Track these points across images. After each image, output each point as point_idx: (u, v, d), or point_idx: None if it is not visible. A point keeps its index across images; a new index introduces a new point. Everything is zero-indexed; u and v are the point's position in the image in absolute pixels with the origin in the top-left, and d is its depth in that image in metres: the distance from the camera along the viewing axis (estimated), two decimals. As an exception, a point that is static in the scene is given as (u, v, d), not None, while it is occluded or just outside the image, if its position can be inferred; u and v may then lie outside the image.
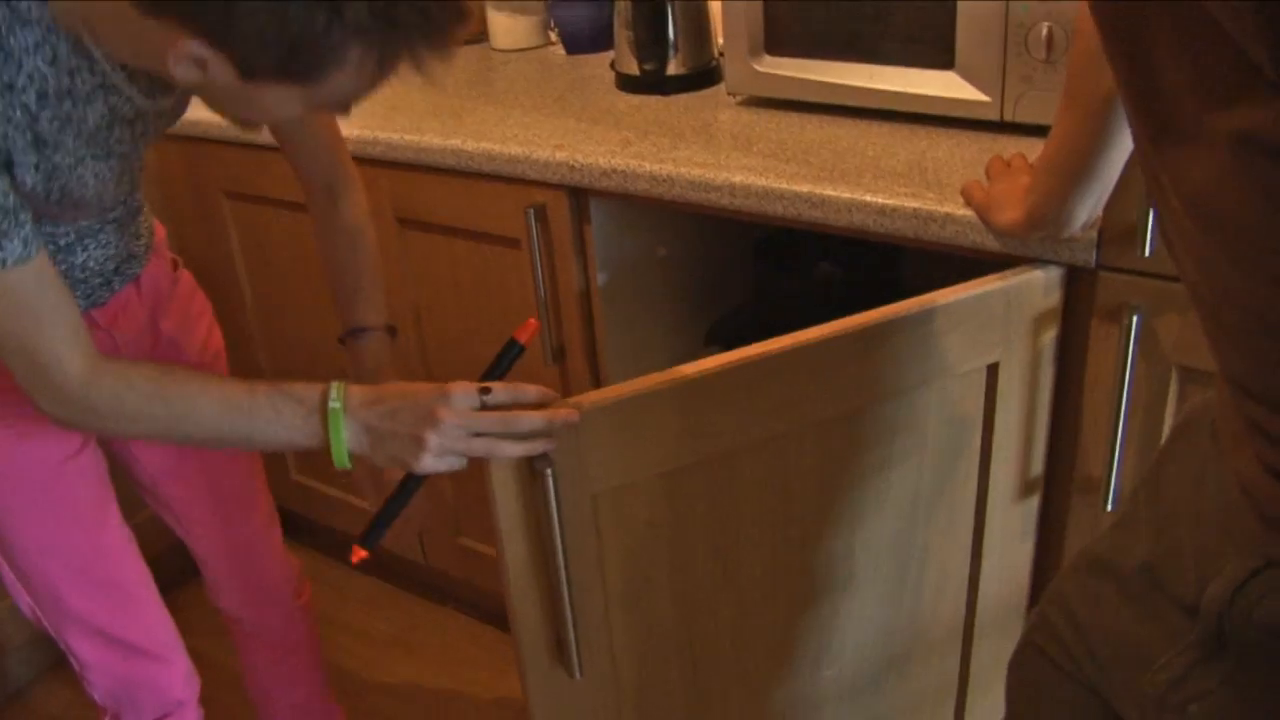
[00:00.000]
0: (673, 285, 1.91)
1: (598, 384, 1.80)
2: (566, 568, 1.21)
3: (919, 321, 1.31)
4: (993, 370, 1.39)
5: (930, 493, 1.43)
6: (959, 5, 1.57)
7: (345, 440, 1.15)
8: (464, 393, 1.14)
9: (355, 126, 1.81)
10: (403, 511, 1.20)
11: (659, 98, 1.86)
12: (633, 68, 1.86)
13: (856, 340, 1.29)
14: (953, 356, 1.35)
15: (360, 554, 1.20)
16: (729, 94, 1.79)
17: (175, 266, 1.53)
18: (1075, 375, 1.41)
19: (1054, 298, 1.37)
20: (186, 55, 0.96)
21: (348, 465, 1.17)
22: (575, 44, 2.18)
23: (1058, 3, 1.50)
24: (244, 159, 2.03)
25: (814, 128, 1.66)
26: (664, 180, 1.55)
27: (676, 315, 1.94)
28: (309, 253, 2.02)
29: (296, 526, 2.47)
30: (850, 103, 1.69)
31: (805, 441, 1.32)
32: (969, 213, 1.37)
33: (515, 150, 1.67)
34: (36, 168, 1.10)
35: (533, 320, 1.24)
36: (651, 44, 1.80)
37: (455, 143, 1.72)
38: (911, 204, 1.40)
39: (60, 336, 1.13)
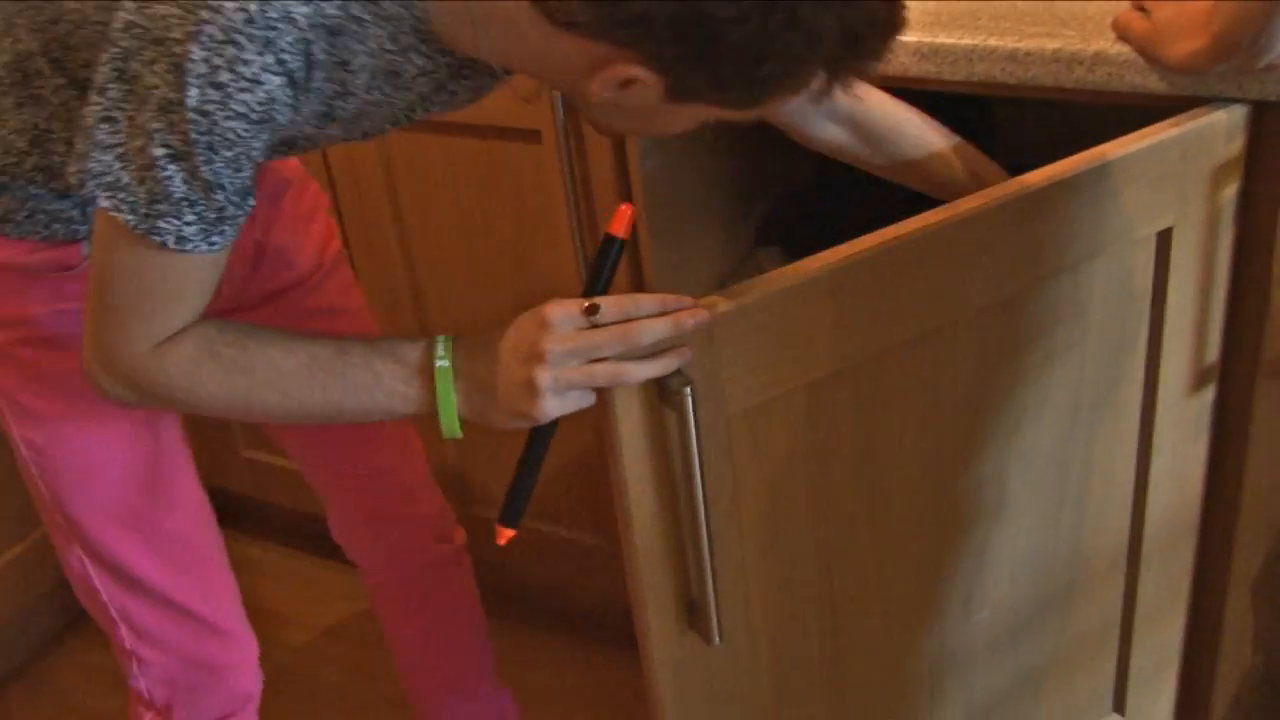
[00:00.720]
0: (720, 176, 1.74)
1: (641, 289, 1.63)
2: (707, 512, 1.04)
3: (1088, 181, 1.18)
4: (1165, 236, 1.26)
5: (1094, 391, 1.30)
6: None
7: (456, 405, 1.04)
8: (565, 313, 1.01)
9: None
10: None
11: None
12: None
13: (1021, 207, 1.16)
14: (1123, 221, 1.22)
15: (506, 534, 1.10)
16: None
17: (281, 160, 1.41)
18: (1262, 237, 1.28)
19: (1237, 144, 1.25)
20: (618, 79, 0.92)
21: (459, 434, 1.06)
22: None
23: None
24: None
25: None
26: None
27: (724, 211, 1.77)
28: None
29: (246, 512, 2.29)
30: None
31: (960, 335, 1.19)
32: (1123, 49, 1.24)
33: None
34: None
35: (626, 206, 1.07)
36: None
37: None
38: (1050, 44, 1.25)
39: (182, 317, 1.05)
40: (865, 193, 1.84)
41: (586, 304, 1.01)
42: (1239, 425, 1.37)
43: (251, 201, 1.01)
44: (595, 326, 1.01)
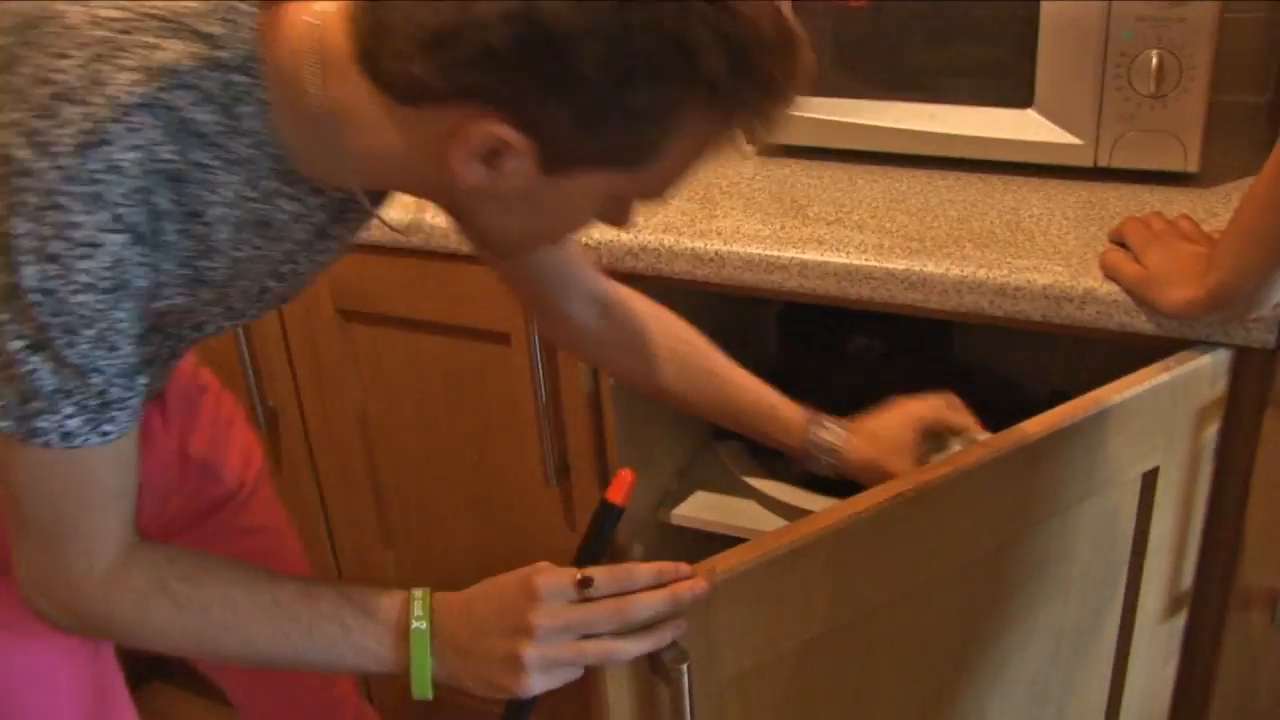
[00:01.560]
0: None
1: (607, 500, 1.57)
2: (700, 787, 0.99)
3: (1085, 429, 1.15)
4: (1151, 476, 1.23)
5: (1076, 625, 1.27)
6: (1040, 31, 1.39)
7: (430, 669, 0.96)
8: (555, 585, 0.95)
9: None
10: None
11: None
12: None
13: (1020, 458, 1.12)
14: (1114, 464, 1.19)
15: None
16: (747, 142, 1.57)
17: (195, 379, 1.31)
18: (1239, 472, 1.26)
19: (1220, 386, 1.22)
20: (481, 145, 0.82)
21: (429, 696, 0.97)
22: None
23: (1169, 25, 1.33)
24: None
25: (868, 182, 1.48)
26: (710, 260, 1.35)
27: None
28: (206, 350, 1.75)
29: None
30: (903, 149, 1.52)
31: (950, 586, 1.16)
32: (1111, 288, 1.21)
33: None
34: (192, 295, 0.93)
35: (626, 472, 1.02)
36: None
37: (425, 216, 1.48)
38: (1040, 279, 1.22)
39: (106, 525, 0.94)
40: (823, 377, 1.80)
41: (579, 576, 0.95)
42: (1208, 648, 1.35)
43: (143, 380, 0.91)
44: (587, 599, 0.95)
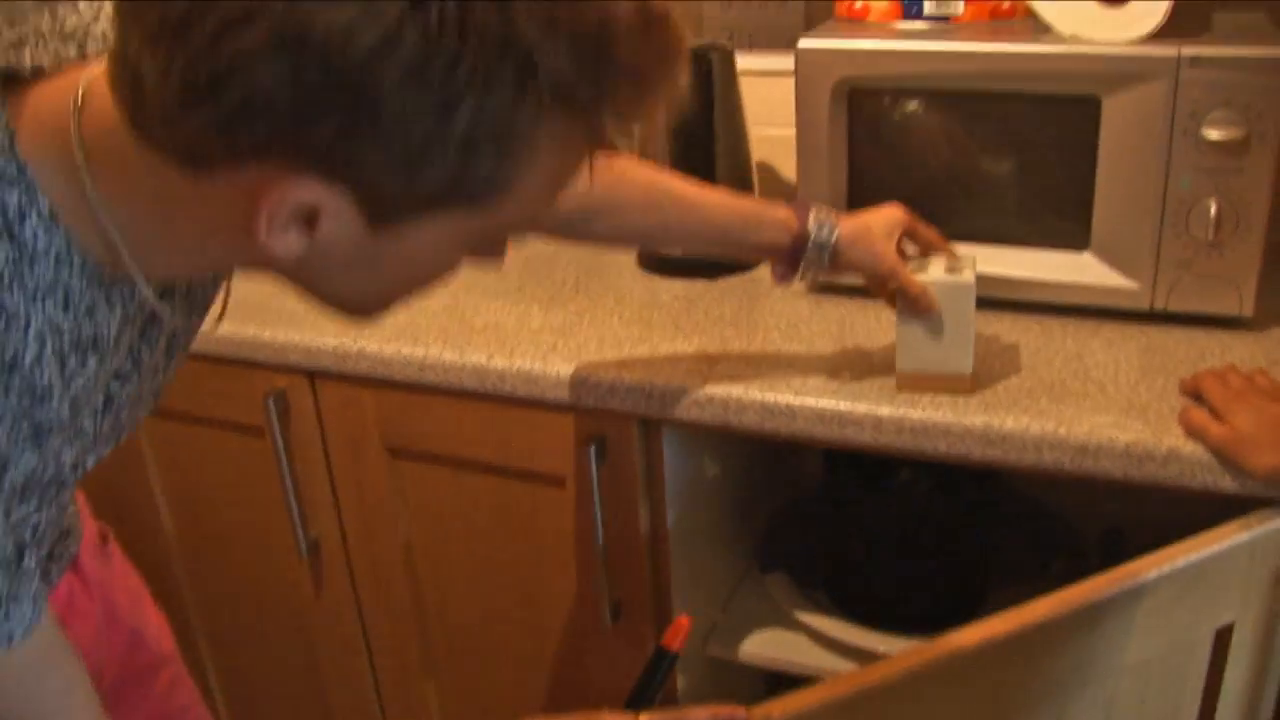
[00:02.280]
0: (725, 500, 1.67)
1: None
2: None
3: (1158, 587, 1.12)
4: (1224, 633, 1.19)
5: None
6: (1098, 175, 1.38)
7: None
8: None
9: (328, 335, 1.54)
10: None
11: (704, 282, 1.62)
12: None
13: (1086, 616, 1.10)
14: (1183, 624, 1.17)
15: None
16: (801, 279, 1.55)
17: (105, 539, 1.23)
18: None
19: (1302, 542, 1.18)
20: (285, 211, 0.68)
21: None
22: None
23: (1228, 175, 1.32)
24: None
25: (925, 325, 1.45)
26: (781, 413, 1.31)
27: (724, 529, 1.70)
28: (248, 478, 1.71)
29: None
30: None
31: None
32: (1195, 446, 1.18)
33: (559, 369, 1.41)
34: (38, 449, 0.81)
35: (683, 619, 0.99)
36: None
37: (474, 358, 1.45)
38: (1122, 438, 1.20)
39: None
40: (870, 511, 1.77)
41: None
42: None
43: (30, 563, 0.84)
44: None
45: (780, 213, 1.29)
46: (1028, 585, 1.61)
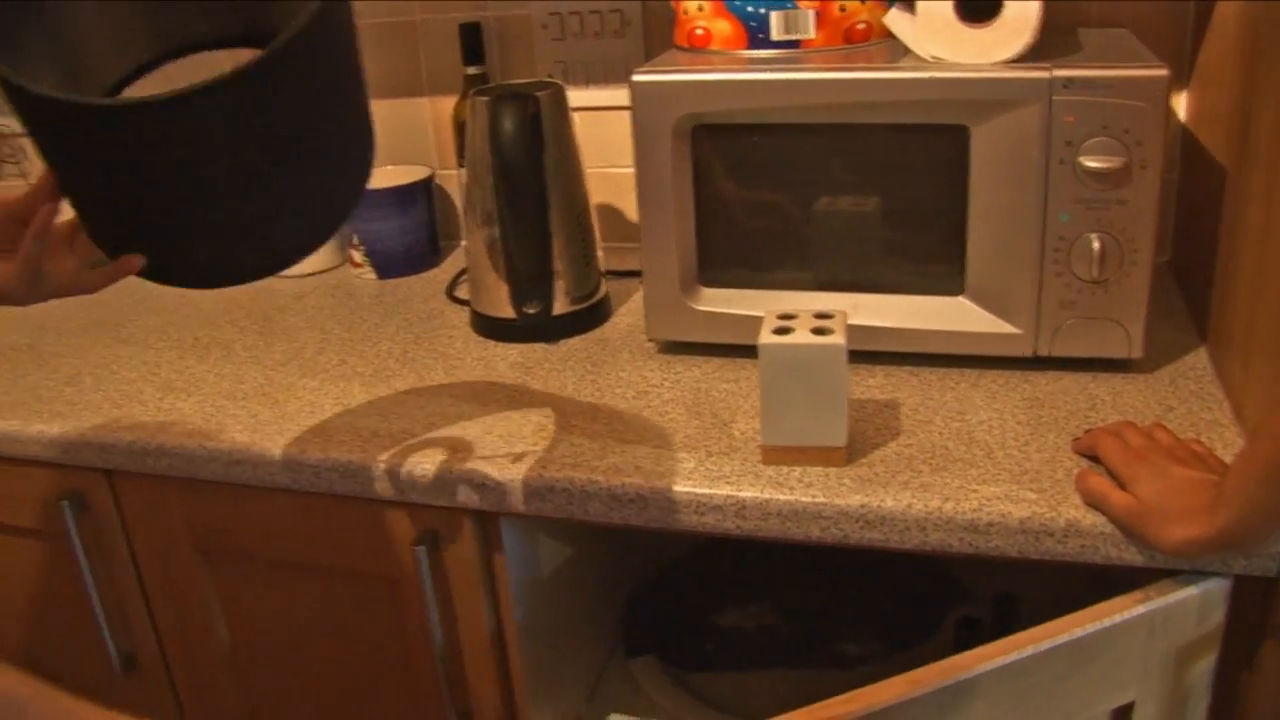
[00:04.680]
0: (581, 582, 1.48)
1: (517, 749, 1.35)
2: None
3: (1047, 663, 0.97)
4: (1122, 713, 1.04)
5: None
6: (970, 212, 1.22)
7: None
8: None
9: (123, 430, 1.34)
10: None
11: (544, 346, 1.43)
12: (503, 308, 1.42)
13: (961, 693, 0.94)
14: (1073, 704, 1.01)
15: None
16: (649, 339, 1.37)
17: None
18: (1233, 712, 1.07)
19: (1215, 618, 1.03)
20: None
21: None
22: (389, 265, 1.73)
23: (1109, 207, 1.17)
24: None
25: (790, 385, 1.27)
26: (631, 499, 1.13)
27: (587, 616, 1.51)
28: (50, 587, 1.50)
29: None
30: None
31: None
32: (1096, 517, 1.03)
33: (381, 461, 1.20)
34: None
35: None
36: (535, 278, 1.37)
37: (286, 450, 1.24)
38: (1015, 512, 1.04)
39: None
40: (728, 580, 1.61)
41: None
42: None
43: None
44: None
45: None
46: (913, 652, 1.46)
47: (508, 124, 1.32)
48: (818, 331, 1.10)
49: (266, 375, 1.46)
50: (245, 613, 1.43)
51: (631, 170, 1.40)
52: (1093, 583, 1.59)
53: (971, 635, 1.27)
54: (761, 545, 1.64)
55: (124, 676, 1.53)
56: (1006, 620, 1.31)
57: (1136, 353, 1.26)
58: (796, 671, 1.48)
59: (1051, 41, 1.27)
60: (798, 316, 1.13)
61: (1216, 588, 1.03)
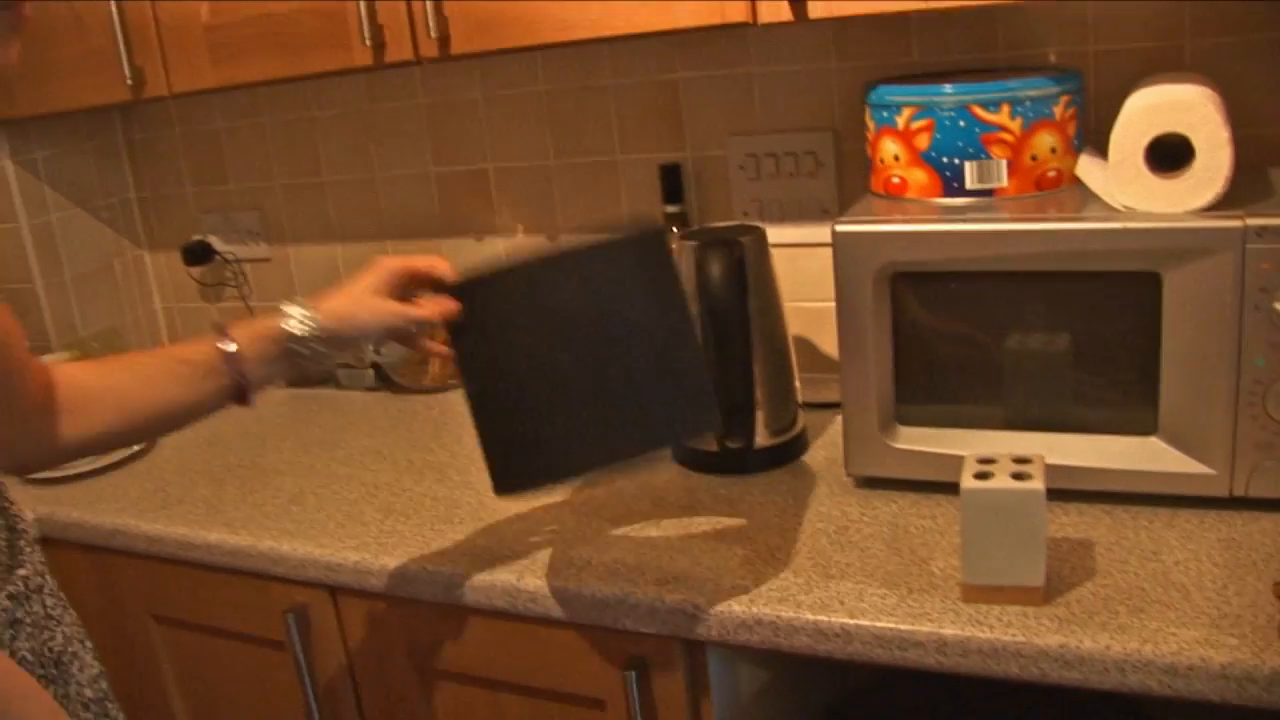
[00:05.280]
0: (776, 703, 1.54)
1: None
2: None
3: None
4: None
5: None
6: (1163, 354, 1.25)
7: None
8: None
9: (349, 550, 1.45)
10: None
11: (740, 479, 1.49)
12: (707, 441, 1.48)
13: None
14: None
15: None
16: (849, 474, 1.42)
17: None
18: None
19: None
20: None
21: None
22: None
23: (1305, 354, 1.19)
24: (177, 577, 1.61)
25: (986, 522, 1.30)
26: (836, 634, 1.19)
27: None
28: (270, 691, 1.58)
29: None
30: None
31: None
32: (1299, 666, 1.03)
33: (595, 588, 1.29)
34: None
35: None
36: (738, 411, 1.43)
37: (503, 577, 1.32)
38: (1217, 658, 1.05)
39: None
40: (918, 710, 1.63)
41: None
42: None
43: None
44: None
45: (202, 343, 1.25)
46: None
47: (715, 269, 1.40)
48: (1017, 476, 1.15)
49: (479, 500, 1.54)
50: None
51: (826, 303, 1.46)
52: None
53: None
54: (953, 677, 1.67)
55: (337, 783, 1.62)
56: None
57: (1335, 493, 1.27)
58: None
59: (1243, 184, 1.30)
60: (997, 461, 1.18)
61: None
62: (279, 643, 1.57)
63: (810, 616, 1.20)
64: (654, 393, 1.18)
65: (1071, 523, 1.32)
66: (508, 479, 1.22)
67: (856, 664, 1.20)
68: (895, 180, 1.43)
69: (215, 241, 2.32)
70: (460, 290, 1.25)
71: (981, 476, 1.15)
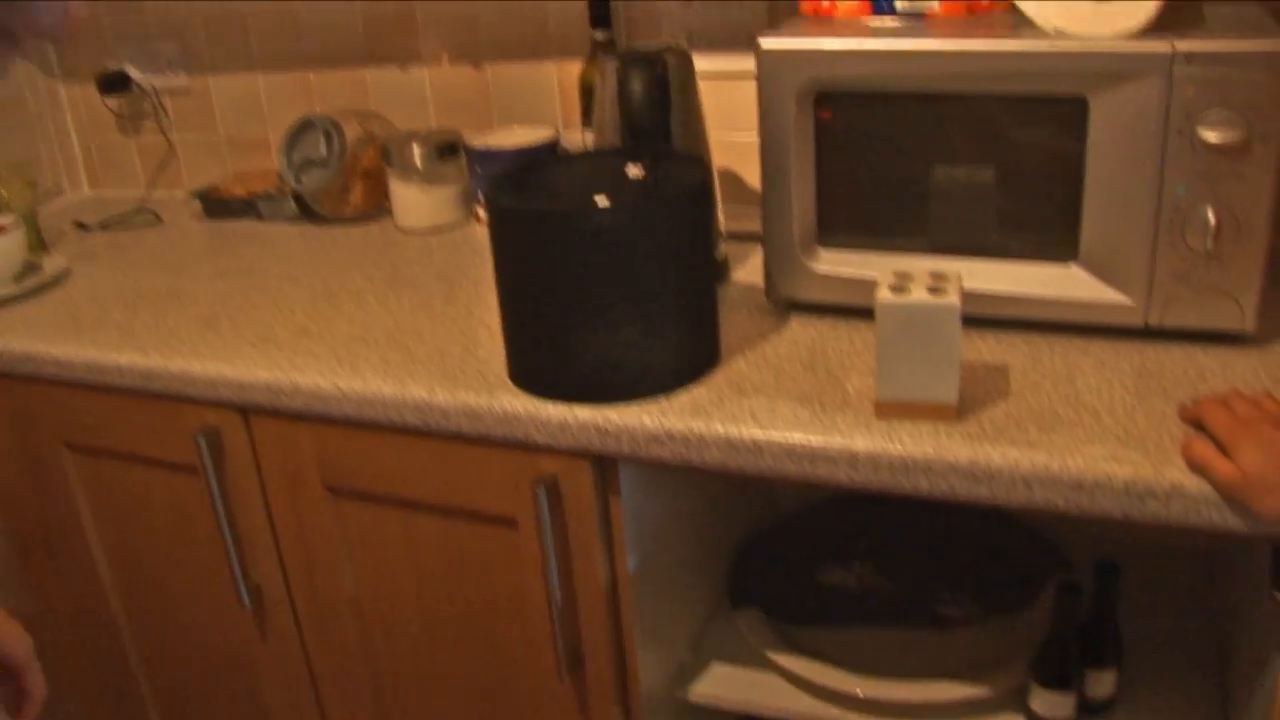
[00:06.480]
0: (692, 533, 1.54)
1: (624, 687, 1.40)
2: None
3: None
4: None
5: None
6: (1086, 181, 1.24)
7: None
8: None
9: (261, 369, 1.42)
10: None
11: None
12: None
13: None
14: None
15: None
16: (768, 298, 1.41)
17: None
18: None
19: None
20: None
21: None
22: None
23: (1227, 181, 1.19)
24: (89, 402, 1.59)
25: (903, 347, 1.30)
26: (747, 448, 1.17)
27: (695, 567, 1.56)
28: (184, 517, 1.57)
29: None
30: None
31: None
32: (1200, 483, 1.04)
33: (506, 403, 1.26)
34: None
35: None
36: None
37: (416, 393, 1.30)
38: (1120, 473, 1.06)
39: None
40: (833, 538, 1.65)
41: None
42: None
43: None
44: None
45: None
46: (1011, 617, 1.48)
47: (637, 85, 1.37)
48: (933, 291, 1.14)
49: (396, 321, 1.52)
50: (369, 551, 1.50)
51: (752, 137, 1.43)
52: (1194, 559, 1.61)
53: (1073, 602, 1.30)
54: (867, 507, 1.68)
55: (251, 609, 1.61)
56: (1107, 588, 1.34)
57: (1249, 326, 1.27)
58: (895, 630, 1.51)
59: (1177, 15, 1.28)
60: (914, 276, 1.17)
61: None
62: (192, 467, 1.56)
63: (721, 429, 1.19)
64: None
65: (989, 348, 1.32)
66: None
67: (772, 483, 1.20)
68: (825, 4, 1.40)
69: (132, 71, 2.25)
70: None
71: (897, 290, 1.14)
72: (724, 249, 1.56)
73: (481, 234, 1.87)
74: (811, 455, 1.16)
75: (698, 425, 1.20)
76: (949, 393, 1.15)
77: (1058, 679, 1.32)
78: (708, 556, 1.63)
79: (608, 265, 1.18)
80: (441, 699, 1.56)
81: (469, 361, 1.38)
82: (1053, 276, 1.32)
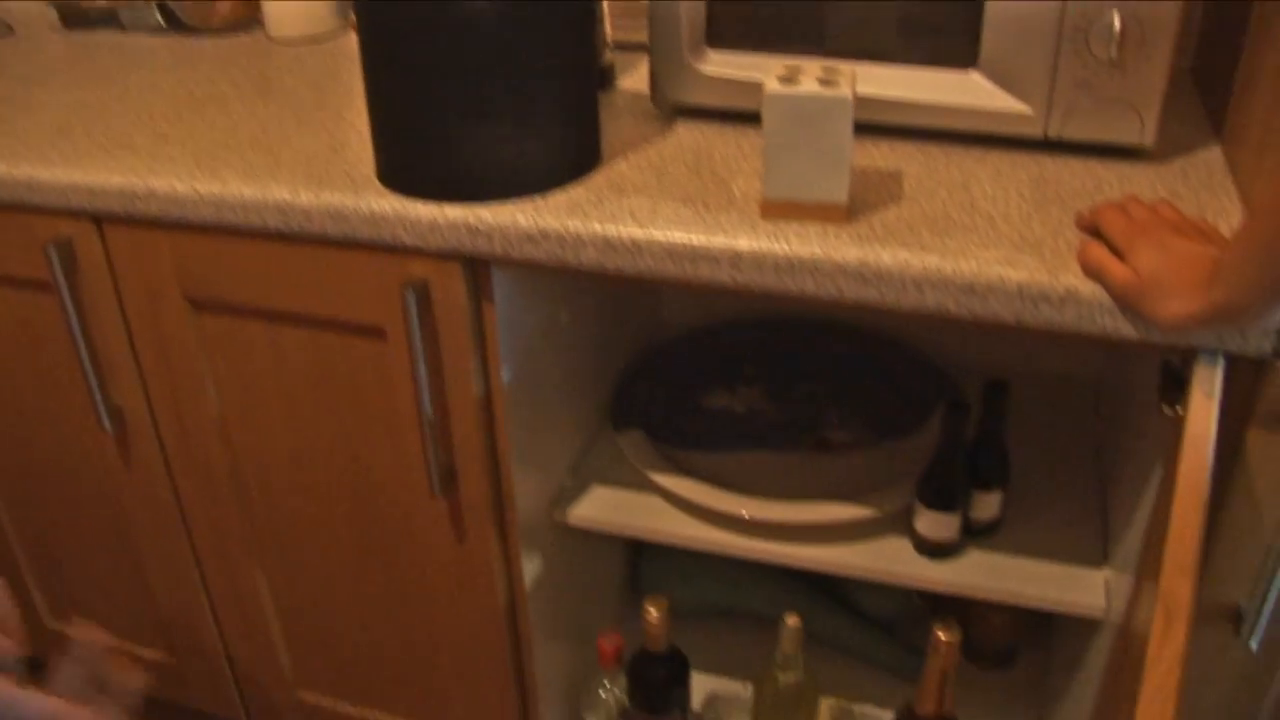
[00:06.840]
0: (573, 349, 1.48)
1: (500, 508, 1.35)
2: None
3: None
4: None
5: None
6: (987, -17, 1.19)
7: None
8: None
9: (114, 173, 1.31)
10: None
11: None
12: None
13: None
14: None
15: None
16: (654, 103, 1.34)
17: None
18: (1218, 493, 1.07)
19: (1209, 394, 1.02)
20: None
21: None
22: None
23: (1133, -15, 1.14)
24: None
25: (793, 153, 1.24)
26: (626, 248, 1.11)
27: (577, 386, 1.51)
28: (37, 337, 1.49)
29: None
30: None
31: None
32: (1094, 288, 1.00)
33: (373, 203, 1.18)
34: None
35: None
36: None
37: (279, 194, 1.22)
38: (1014, 275, 1.02)
39: None
40: (719, 363, 1.61)
41: None
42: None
43: None
44: None
45: None
46: (904, 440, 1.46)
47: None
48: (824, 83, 1.08)
49: (262, 127, 1.43)
50: (233, 367, 1.43)
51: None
52: (1081, 387, 1.59)
53: (960, 420, 1.27)
54: (755, 332, 1.64)
55: (113, 433, 1.53)
56: (995, 407, 1.31)
57: (1149, 140, 1.23)
58: (782, 454, 1.48)
59: None
60: (804, 69, 1.11)
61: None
62: (43, 282, 1.46)
63: (599, 228, 1.13)
64: None
65: (883, 155, 1.26)
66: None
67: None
68: None
69: None
70: None
71: (787, 83, 1.08)
72: (611, 56, 1.48)
73: (357, 43, 1.77)
74: (693, 255, 1.11)
75: (574, 224, 1.14)
76: (838, 192, 1.10)
77: (943, 500, 1.29)
78: (591, 380, 1.57)
79: (481, 53, 1.10)
80: (313, 522, 1.50)
81: (336, 163, 1.30)
82: (952, 83, 1.26)
